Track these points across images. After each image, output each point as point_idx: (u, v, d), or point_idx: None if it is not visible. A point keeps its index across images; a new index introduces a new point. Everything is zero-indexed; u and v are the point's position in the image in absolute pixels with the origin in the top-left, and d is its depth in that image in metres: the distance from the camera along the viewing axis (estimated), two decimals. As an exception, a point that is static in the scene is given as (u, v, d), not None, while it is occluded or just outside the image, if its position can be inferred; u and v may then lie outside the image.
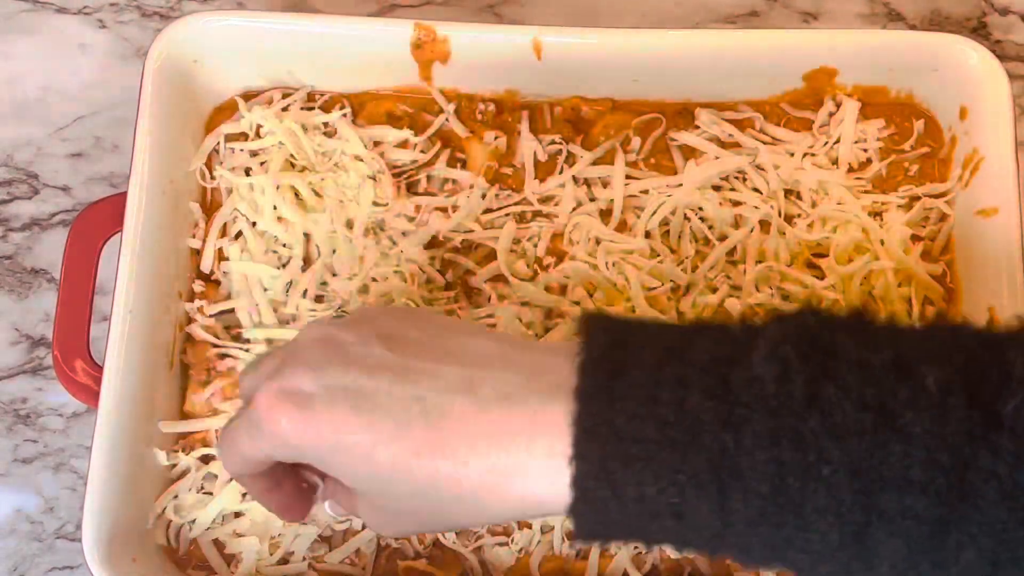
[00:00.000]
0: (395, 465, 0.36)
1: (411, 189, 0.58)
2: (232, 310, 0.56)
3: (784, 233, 0.56)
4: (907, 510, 0.31)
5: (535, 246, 0.57)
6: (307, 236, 0.57)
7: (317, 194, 0.57)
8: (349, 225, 0.57)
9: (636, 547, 0.52)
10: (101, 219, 0.56)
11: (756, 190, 0.57)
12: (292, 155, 0.58)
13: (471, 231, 0.57)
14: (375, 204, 0.57)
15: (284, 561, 0.53)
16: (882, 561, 0.33)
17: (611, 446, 0.33)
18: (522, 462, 0.35)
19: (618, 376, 0.34)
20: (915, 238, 0.57)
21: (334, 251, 0.56)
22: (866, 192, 0.57)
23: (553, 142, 0.58)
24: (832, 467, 0.32)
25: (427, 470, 0.36)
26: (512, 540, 0.53)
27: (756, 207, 0.56)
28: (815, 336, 0.34)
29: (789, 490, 0.32)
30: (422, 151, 0.58)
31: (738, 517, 0.33)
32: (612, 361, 0.35)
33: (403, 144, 0.58)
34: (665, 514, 0.33)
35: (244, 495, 0.53)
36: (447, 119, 0.59)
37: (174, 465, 0.54)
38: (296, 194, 0.57)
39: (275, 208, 0.57)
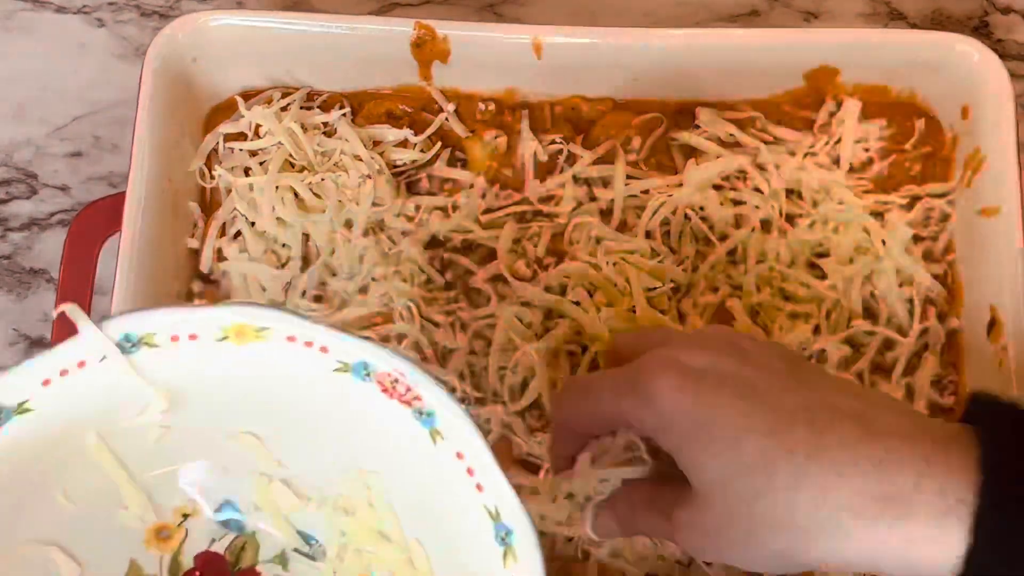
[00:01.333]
0: (763, 456, 0.35)
1: (411, 189, 0.58)
2: (231, 310, 0.56)
3: (785, 233, 0.56)
4: None
5: (535, 246, 0.57)
6: (306, 236, 0.57)
7: (316, 194, 0.57)
8: (348, 225, 0.57)
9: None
10: (100, 219, 0.56)
11: (757, 190, 0.57)
12: (291, 155, 0.57)
13: (471, 231, 0.57)
14: (375, 204, 0.57)
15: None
16: None
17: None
18: (906, 497, 0.33)
19: None
20: (917, 238, 0.56)
21: (333, 251, 0.56)
22: (867, 192, 0.57)
23: (553, 142, 0.58)
24: None
25: (795, 471, 0.34)
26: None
27: (757, 207, 0.56)
28: None
29: None
30: (422, 151, 0.58)
31: None
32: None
33: (403, 144, 0.58)
34: None
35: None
36: (447, 118, 0.58)
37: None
38: (295, 194, 0.57)
39: (274, 208, 0.56)
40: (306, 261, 0.57)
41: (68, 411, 0.41)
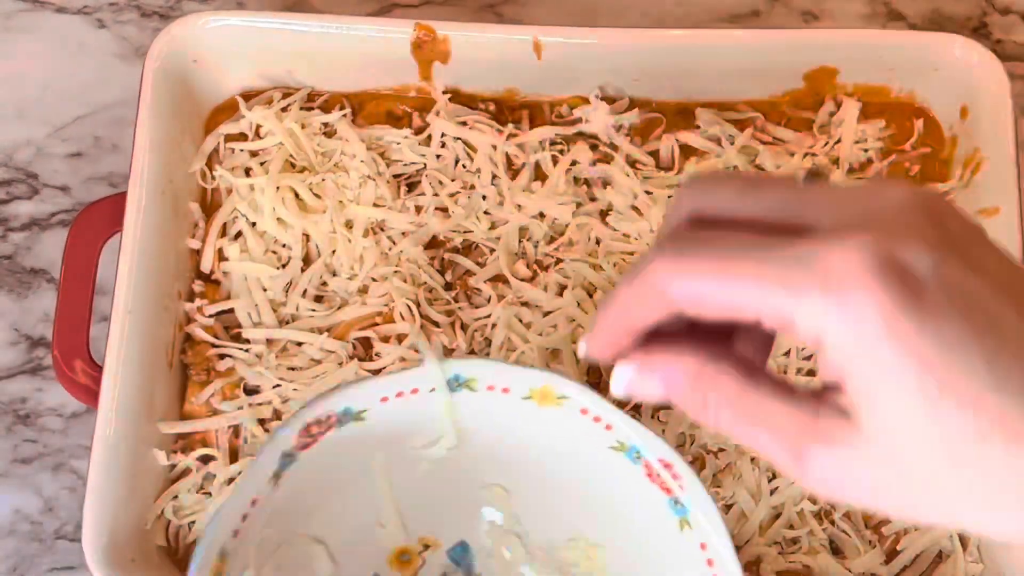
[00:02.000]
0: (1004, 431, 0.26)
1: (411, 189, 0.58)
2: (232, 310, 0.56)
3: (785, 233, 0.56)
4: None
5: (535, 246, 0.57)
6: (307, 236, 0.57)
7: (316, 195, 0.57)
8: (349, 225, 0.57)
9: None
10: (101, 219, 0.56)
11: (756, 190, 0.57)
12: (292, 155, 0.58)
13: (471, 231, 0.57)
14: (375, 204, 0.57)
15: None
16: None
17: None
18: None
19: None
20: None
21: (333, 251, 0.56)
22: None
23: (553, 142, 0.58)
24: None
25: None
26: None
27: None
28: None
29: None
30: (423, 154, 0.58)
31: None
32: None
33: (402, 144, 0.58)
34: None
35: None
36: (448, 119, 0.58)
37: (174, 466, 0.54)
38: (296, 194, 0.57)
39: (274, 208, 0.56)
40: (306, 261, 0.57)
41: (384, 428, 0.44)
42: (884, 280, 0.25)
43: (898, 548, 0.52)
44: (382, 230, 0.57)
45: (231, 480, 0.54)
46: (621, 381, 0.31)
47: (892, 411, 0.26)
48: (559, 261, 0.56)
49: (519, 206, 0.57)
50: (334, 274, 0.56)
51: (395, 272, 0.56)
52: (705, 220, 0.29)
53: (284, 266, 0.57)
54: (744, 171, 0.28)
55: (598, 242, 0.56)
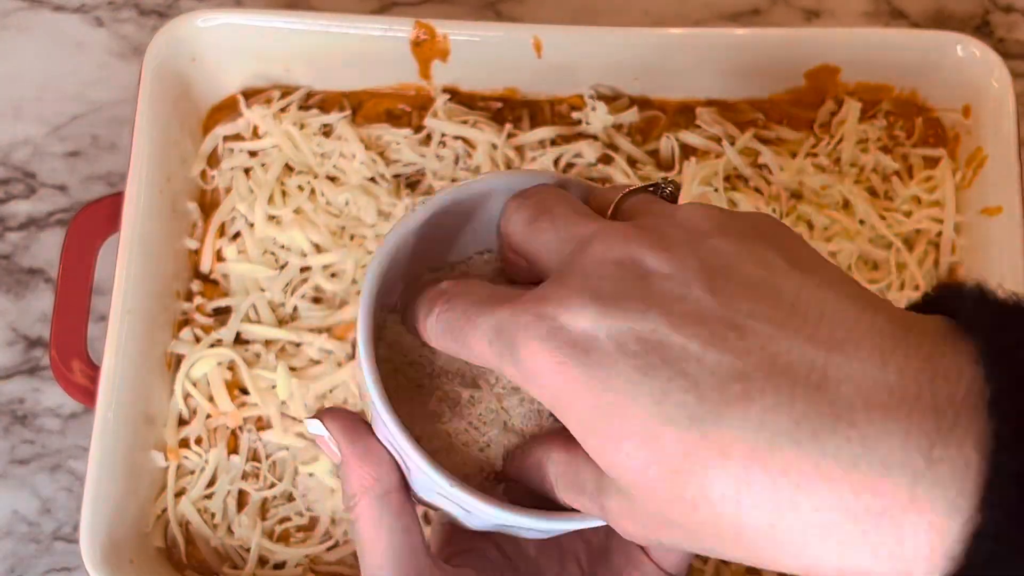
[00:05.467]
0: (688, 459, 0.26)
1: (411, 189, 0.58)
2: (230, 310, 0.56)
3: (786, 233, 0.56)
4: None
5: (535, 246, 0.57)
6: (306, 237, 0.57)
7: (315, 194, 0.57)
8: (348, 226, 0.56)
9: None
10: (99, 219, 0.55)
11: (757, 190, 0.57)
12: (290, 157, 0.57)
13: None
14: (375, 204, 0.57)
15: (281, 565, 0.53)
16: None
17: None
18: (895, 512, 0.24)
19: None
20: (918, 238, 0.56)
21: (333, 251, 0.56)
22: (868, 191, 0.57)
23: (553, 142, 0.58)
24: None
25: (734, 483, 0.25)
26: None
27: (757, 207, 0.56)
28: None
29: None
30: (423, 154, 0.58)
31: None
32: None
33: (402, 143, 0.58)
34: None
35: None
36: (447, 118, 0.58)
37: (178, 466, 0.54)
38: (295, 195, 0.57)
39: (273, 210, 0.56)
40: (306, 262, 0.57)
41: None
42: (551, 346, 0.27)
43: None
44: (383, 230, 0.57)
45: (232, 479, 0.54)
46: (314, 429, 0.36)
47: (602, 455, 0.28)
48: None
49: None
50: (333, 275, 0.56)
51: (394, 272, 0.56)
52: (511, 248, 0.33)
53: (282, 267, 0.56)
54: (550, 193, 0.32)
55: (598, 242, 0.56)
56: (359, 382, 0.36)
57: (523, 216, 0.32)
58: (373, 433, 0.35)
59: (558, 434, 0.32)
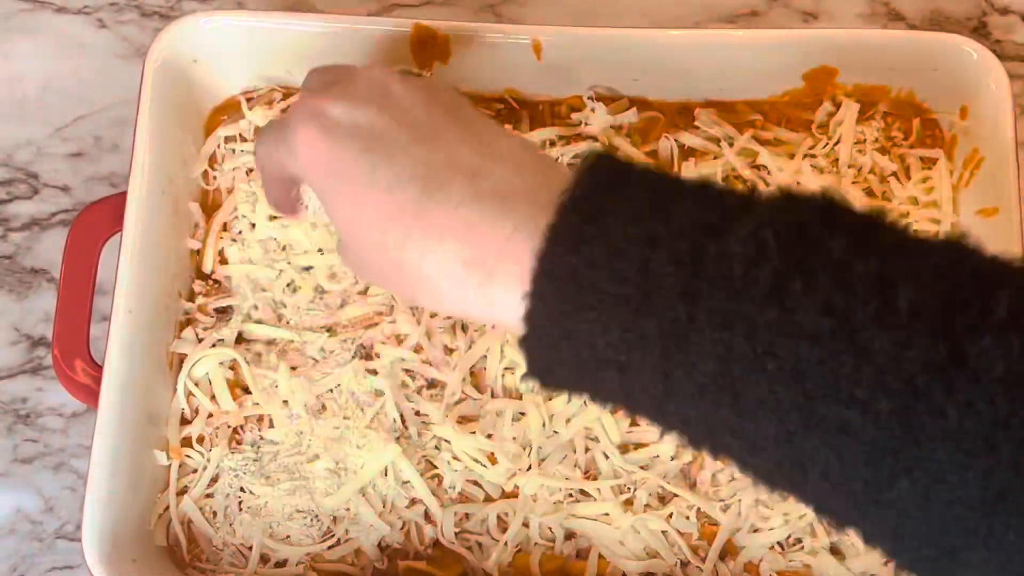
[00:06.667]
0: (379, 214, 0.37)
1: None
2: (231, 310, 0.56)
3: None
4: (844, 425, 0.30)
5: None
6: (307, 237, 0.57)
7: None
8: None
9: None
10: (101, 219, 0.56)
11: (756, 190, 0.57)
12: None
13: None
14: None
15: (283, 563, 0.53)
16: (814, 468, 0.31)
17: (568, 290, 0.33)
18: (489, 263, 0.35)
19: (594, 221, 0.33)
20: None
21: (334, 252, 0.56)
22: (866, 192, 0.57)
23: (553, 143, 0.58)
24: (778, 364, 0.30)
25: (403, 232, 0.36)
26: (505, 539, 0.53)
27: (756, 207, 0.56)
28: (804, 226, 0.31)
29: (731, 375, 0.31)
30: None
31: (679, 387, 0.32)
32: (593, 204, 0.34)
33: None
34: (611, 366, 0.33)
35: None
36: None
37: (180, 465, 0.54)
38: (296, 194, 0.57)
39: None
40: (306, 262, 0.57)
41: None
42: (308, 125, 0.39)
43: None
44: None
45: (234, 478, 0.54)
46: None
47: (329, 210, 0.39)
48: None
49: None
50: (333, 275, 0.56)
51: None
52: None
53: (284, 268, 0.57)
54: (339, 65, 0.45)
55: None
56: None
57: (317, 71, 0.45)
58: None
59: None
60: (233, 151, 0.58)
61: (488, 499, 0.54)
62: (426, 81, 0.41)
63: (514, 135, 0.40)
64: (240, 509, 0.54)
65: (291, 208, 0.49)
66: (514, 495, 0.53)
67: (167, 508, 0.54)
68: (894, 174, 0.58)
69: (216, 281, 0.57)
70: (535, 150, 0.39)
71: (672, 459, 0.53)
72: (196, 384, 0.55)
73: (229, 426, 0.54)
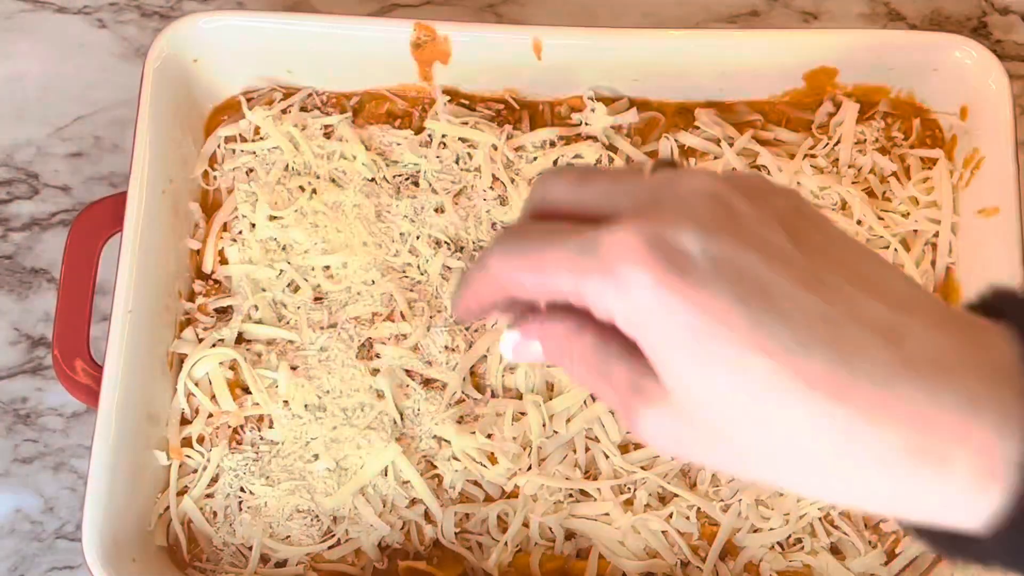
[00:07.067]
0: (774, 387, 0.28)
1: (411, 189, 0.58)
2: (231, 310, 0.56)
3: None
4: None
5: (535, 246, 0.57)
6: (306, 237, 0.57)
7: (316, 195, 0.57)
8: (349, 226, 0.57)
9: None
10: (101, 219, 0.56)
11: (756, 190, 0.57)
12: (291, 160, 0.58)
13: (471, 232, 0.57)
14: (375, 205, 0.57)
15: (283, 563, 0.53)
16: None
17: None
18: (945, 453, 0.28)
19: None
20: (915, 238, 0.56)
21: (334, 251, 0.56)
22: (866, 191, 0.57)
23: (553, 143, 0.58)
24: None
25: (815, 410, 0.28)
26: (506, 539, 0.53)
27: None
28: None
29: None
30: (424, 155, 0.58)
31: None
32: None
33: (402, 144, 0.58)
34: None
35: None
36: (447, 119, 0.58)
37: (180, 465, 0.54)
38: (296, 195, 0.57)
39: (273, 211, 0.57)
40: (307, 262, 0.57)
41: None
42: (651, 259, 0.28)
43: (897, 551, 0.52)
44: (383, 231, 0.57)
45: (234, 478, 0.54)
46: (508, 346, 0.34)
47: (678, 373, 0.29)
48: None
49: (520, 207, 0.57)
50: (332, 276, 0.56)
51: (395, 272, 0.56)
52: (546, 213, 0.33)
53: (284, 268, 0.57)
54: (584, 165, 0.35)
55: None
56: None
57: (568, 178, 0.32)
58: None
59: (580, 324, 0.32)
60: (233, 151, 0.59)
61: (488, 499, 0.54)
62: (760, 182, 0.31)
63: (884, 258, 0.32)
64: (240, 509, 0.54)
65: (474, 315, 0.36)
66: (514, 495, 0.54)
67: (167, 508, 0.54)
68: (894, 174, 0.58)
69: (216, 281, 0.57)
70: (917, 283, 0.32)
71: (672, 459, 0.53)
72: (196, 384, 0.55)
73: (229, 426, 0.54)
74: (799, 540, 0.53)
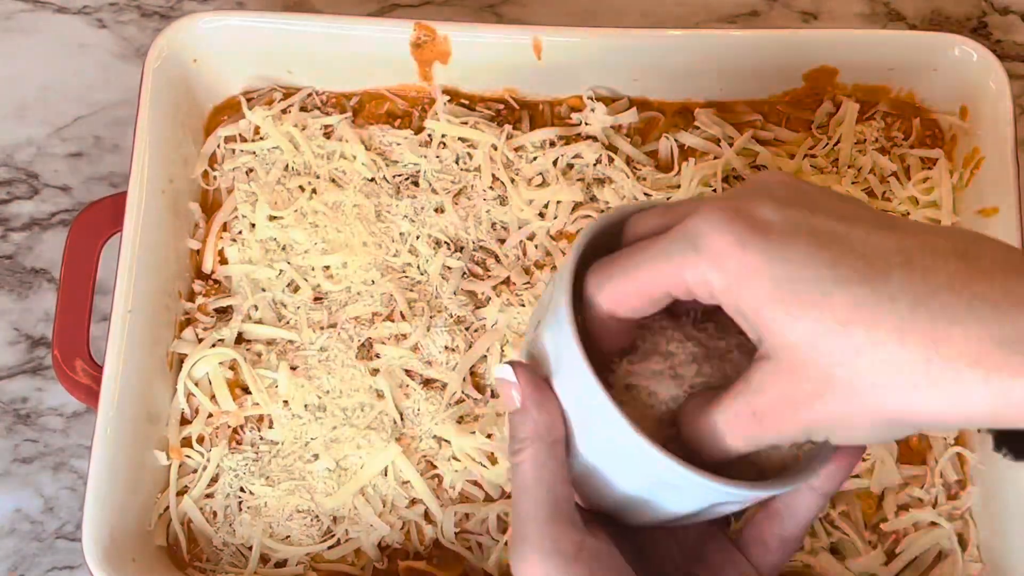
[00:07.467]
0: (859, 310, 0.30)
1: (411, 189, 0.58)
2: (231, 310, 0.56)
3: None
4: None
5: (536, 247, 0.57)
6: (306, 237, 0.57)
7: (316, 195, 0.57)
8: (349, 226, 0.57)
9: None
10: (101, 219, 0.56)
11: (756, 190, 0.57)
12: (291, 160, 0.58)
13: (471, 232, 0.57)
14: (375, 205, 0.57)
15: (283, 564, 0.53)
16: None
17: None
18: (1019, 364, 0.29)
19: None
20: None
21: (334, 251, 0.56)
22: (866, 191, 0.57)
23: (553, 143, 0.58)
24: None
25: (899, 322, 0.30)
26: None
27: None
28: None
29: None
30: (423, 155, 0.58)
31: None
32: None
33: (402, 144, 0.58)
34: None
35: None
36: (447, 119, 0.58)
37: (180, 465, 0.54)
38: (296, 195, 0.57)
39: (273, 211, 0.57)
40: (306, 262, 0.57)
41: None
42: (735, 223, 0.32)
43: (897, 551, 0.52)
44: (383, 231, 0.57)
45: (234, 478, 0.54)
46: (498, 374, 0.38)
47: (777, 328, 0.32)
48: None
49: (520, 207, 0.57)
50: (332, 276, 0.56)
51: (395, 272, 0.56)
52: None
53: (283, 267, 0.57)
54: (659, 201, 0.39)
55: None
56: (539, 343, 0.37)
57: (656, 210, 0.36)
58: (551, 388, 0.37)
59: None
60: (233, 151, 0.59)
61: (488, 499, 0.54)
62: (835, 191, 0.35)
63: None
64: (240, 509, 0.54)
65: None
66: (514, 495, 0.53)
67: (167, 508, 0.54)
68: (894, 174, 0.58)
69: (216, 281, 0.57)
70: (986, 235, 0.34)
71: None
72: (196, 384, 0.55)
73: (229, 426, 0.55)
74: (799, 540, 0.53)
